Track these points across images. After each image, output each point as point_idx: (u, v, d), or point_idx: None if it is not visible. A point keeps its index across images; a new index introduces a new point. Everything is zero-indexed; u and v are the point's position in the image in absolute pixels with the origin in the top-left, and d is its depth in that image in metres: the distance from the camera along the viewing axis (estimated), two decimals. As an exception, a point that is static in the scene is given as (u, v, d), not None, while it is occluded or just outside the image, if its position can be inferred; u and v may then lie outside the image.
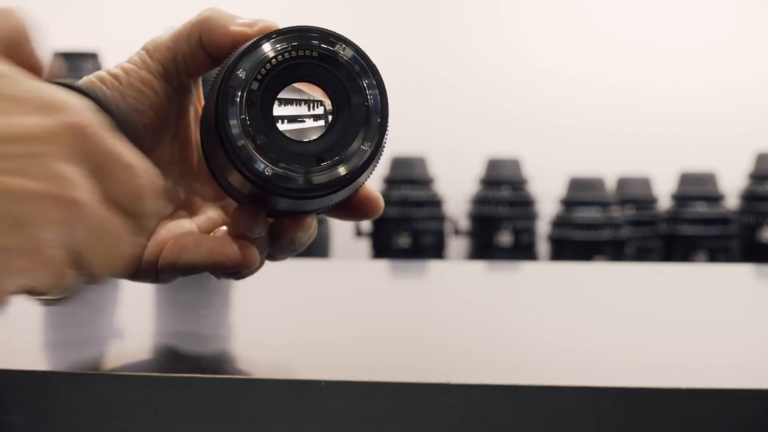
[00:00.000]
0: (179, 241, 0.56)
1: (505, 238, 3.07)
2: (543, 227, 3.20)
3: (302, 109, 0.52)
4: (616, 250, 2.98)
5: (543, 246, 3.20)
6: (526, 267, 1.48)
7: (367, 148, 0.51)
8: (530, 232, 3.12)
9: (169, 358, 0.54)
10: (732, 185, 3.23)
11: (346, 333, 0.59)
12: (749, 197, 3.14)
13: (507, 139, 3.28)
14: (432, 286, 0.88)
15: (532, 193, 3.17)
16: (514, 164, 3.15)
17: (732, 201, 3.21)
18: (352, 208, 0.58)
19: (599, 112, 3.48)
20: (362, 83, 0.52)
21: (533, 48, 3.47)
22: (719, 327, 0.67)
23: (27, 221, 0.40)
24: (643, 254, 3.10)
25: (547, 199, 3.22)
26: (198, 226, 0.59)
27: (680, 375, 0.49)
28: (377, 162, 0.53)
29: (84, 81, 0.55)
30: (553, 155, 3.39)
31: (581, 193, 3.05)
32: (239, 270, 0.54)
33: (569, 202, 3.08)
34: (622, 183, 3.22)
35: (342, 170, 0.51)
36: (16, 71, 0.43)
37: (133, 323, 0.68)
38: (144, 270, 0.57)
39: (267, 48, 0.51)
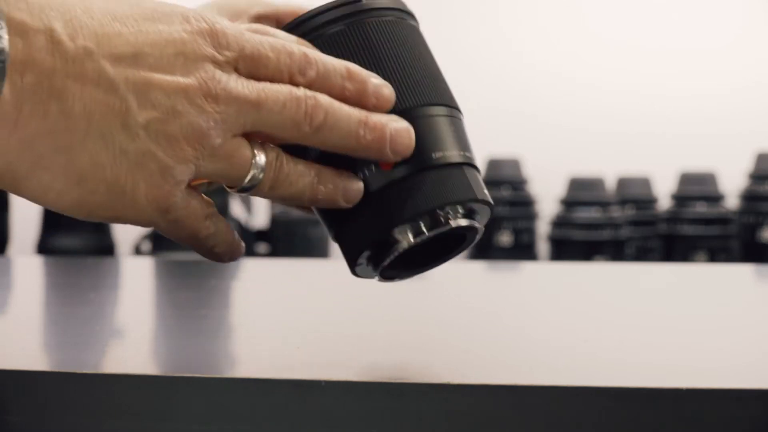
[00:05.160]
0: None
1: (505, 238, 3.07)
2: (543, 227, 3.20)
3: None
4: (616, 250, 2.98)
5: (543, 246, 3.19)
6: (526, 267, 1.47)
7: None
8: (530, 232, 3.12)
9: (170, 358, 0.54)
10: (732, 185, 3.23)
11: (346, 333, 0.59)
12: (749, 197, 3.14)
13: (507, 139, 3.28)
14: (432, 286, 0.88)
15: (532, 193, 3.17)
16: (514, 164, 3.15)
17: (732, 201, 3.21)
18: None
19: (599, 112, 3.48)
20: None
21: (533, 49, 3.47)
22: (719, 327, 0.67)
23: (184, 112, 0.45)
24: (643, 254, 3.10)
25: (547, 199, 3.22)
26: None
27: (680, 375, 0.49)
28: None
29: None
30: (553, 155, 3.39)
31: (581, 193, 3.05)
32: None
33: (569, 202, 3.08)
34: (622, 183, 3.22)
35: None
36: None
37: (133, 323, 0.68)
38: None
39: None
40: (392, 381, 0.45)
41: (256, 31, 0.49)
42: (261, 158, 0.48)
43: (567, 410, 0.44)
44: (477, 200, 0.50)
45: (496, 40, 3.44)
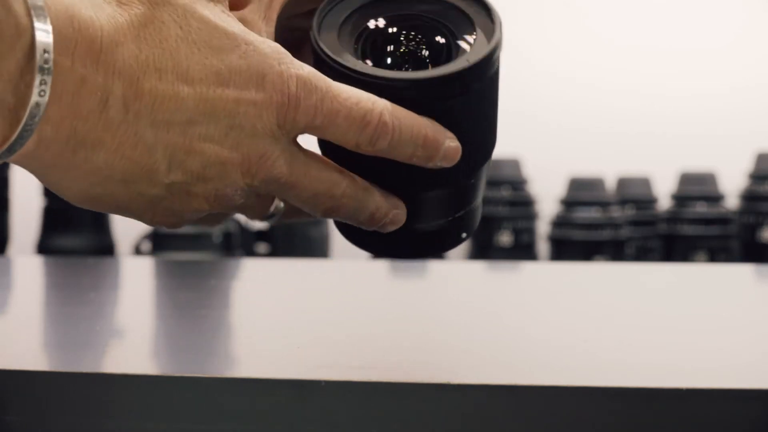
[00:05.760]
0: None
1: (505, 238, 3.07)
2: (543, 227, 3.20)
3: None
4: (616, 250, 2.98)
5: (543, 246, 3.20)
6: (526, 267, 1.48)
7: None
8: (530, 232, 3.12)
9: (170, 358, 0.54)
10: (732, 185, 3.23)
11: (346, 333, 0.59)
12: (749, 197, 3.14)
13: (507, 139, 3.28)
14: (432, 286, 0.88)
15: (532, 193, 3.17)
16: (514, 164, 3.15)
17: (732, 201, 3.22)
18: None
19: (599, 112, 3.48)
20: None
21: (533, 49, 3.47)
22: (719, 327, 0.67)
23: (214, 179, 0.44)
24: (643, 254, 3.10)
25: (547, 199, 3.22)
26: None
27: (680, 375, 0.49)
28: None
29: None
30: (553, 155, 3.39)
31: (581, 193, 3.05)
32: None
33: (569, 202, 3.08)
34: (622, 183, 3.22)
35: None
36: (238, 26, 0.45)
37: (133, 323, 0.68)
38: None
39: None
40: (392, 381, 0.45)
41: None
42: (280, 205, 0.48)
43: (567, 410, 0.44)
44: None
45: (496, 40, 3.44)
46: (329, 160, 0.47)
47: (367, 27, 0.49)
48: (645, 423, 0.44)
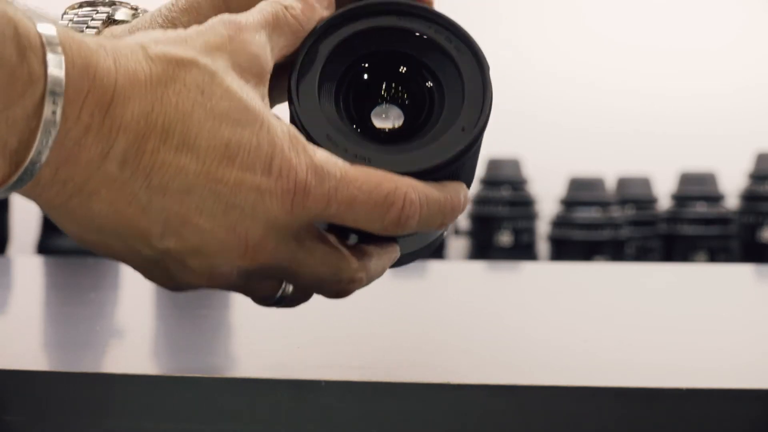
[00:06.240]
0: None
1: (505, 238, 3.07)
2: (543, 227, 3.20)
3: None
4: (616, 250, 2.98)
5: (543, 246, 3.20)
6: (526, 267, 1.48)
7: None
8: (530, 232, 3.13)
9: (170, 358, 0.54)
10: (732, 185, 3.23)
11: (346, 333, 0.59)
12: (749, 197, 3.14)
13: (507, 139, 3.29)
14: (432, 286, 0.88)
15: (532, 193, 3.17)
16: (514, 164, 3.16)
17: (732, 201, 3.22)
18: None
19: (599, 112, 3.48)
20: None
21: (533, 49, 3.47)
22: (719, 327, 0.67)
23: (210, 255, 0.43)
24: (643, 254, 3.10)
25: (547, 199, 3.22)
26: None
27: (680, 375, 0.49)
28: None
29: None
30: (553, 155, 3.39)
31: (581, 193, 3.06)
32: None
33: (569, 202, 3.08)
34: (622, 183, 3.22)
35: None
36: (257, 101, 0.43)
37: (133, 323, 0.68)
38: None
39: None
40: (392, 381, 0.45)
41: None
42: (288, 289, 0.46)
43: (567, 410, 0.44)
44: None
45: (496, 40, 3.45)
46: (336, 243, 0.45)
47: (346, 77, 0.47)
48: (645, 423, 0.44)
